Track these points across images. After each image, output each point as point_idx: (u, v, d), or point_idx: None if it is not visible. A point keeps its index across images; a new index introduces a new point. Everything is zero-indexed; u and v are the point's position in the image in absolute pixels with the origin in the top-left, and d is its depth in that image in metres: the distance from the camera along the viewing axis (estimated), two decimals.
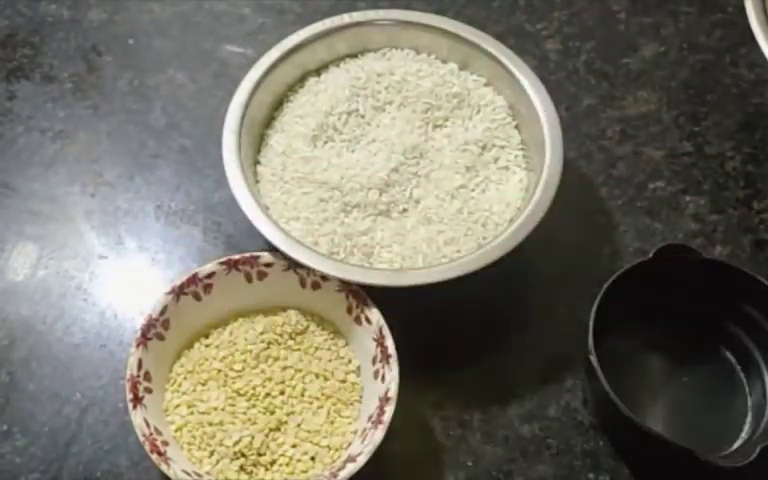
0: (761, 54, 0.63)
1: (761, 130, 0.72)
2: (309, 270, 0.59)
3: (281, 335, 0.60)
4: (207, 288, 0.60)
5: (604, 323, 0.58)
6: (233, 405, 0.57)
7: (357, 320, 0.59)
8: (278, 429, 0.57)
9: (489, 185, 0.65)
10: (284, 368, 0.58)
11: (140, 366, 0.57)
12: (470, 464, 0.58)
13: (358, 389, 0.58)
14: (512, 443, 0.59)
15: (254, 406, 0.57)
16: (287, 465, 0.56)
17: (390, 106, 0.67)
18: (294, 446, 0.56)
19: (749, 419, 0.59)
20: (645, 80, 0.75)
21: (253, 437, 0.56)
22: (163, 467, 0.53)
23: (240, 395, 0.58)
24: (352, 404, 0.58)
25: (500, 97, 0.68)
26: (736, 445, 0.58)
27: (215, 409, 0.57)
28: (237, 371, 0.58)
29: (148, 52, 0.77)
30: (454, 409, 0.60)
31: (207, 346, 0.60)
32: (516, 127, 0.67)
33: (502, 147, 0.66)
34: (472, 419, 0.60)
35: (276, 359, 0.59)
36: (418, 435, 0.59)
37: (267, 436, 0.56)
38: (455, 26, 0.69)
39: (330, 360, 0.59)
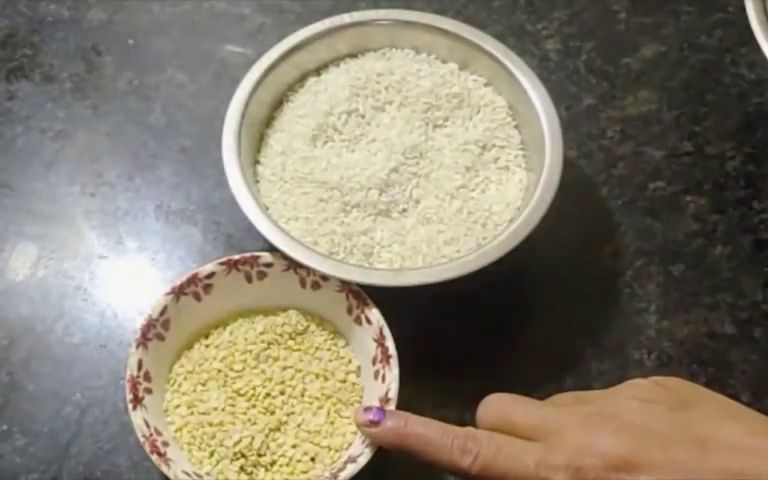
0: (761, 54, 0.63)
1: (761, 130, 0.72)
2: (309, 270, 0.59)
3: (281, 335, 0.60)
4: (207, 288, 0.60)
5: None
6: (233, 405, 0.57)
7: (357, 320, 0.59)
8: (278, 429, 0.57)
9: (489, 185, 0.65)
10: (284, 368, 0.58)
11: (140, 366, 0.57)
12: None
13: (358, 389, 0.58)
14: None
15: (254, 406, 0.57)
16: (287, 465, 0.56)
17: (390, 106, 0.67)
18: (294, 446, 0.56)
19: None
20: (645, 80, 0.75)
21: (253, 437, 0.56)
22: (163, 468, 0.53)
23: (240, 395, 0.58)
24: (352, 404, 0.58)
25: (500, 97, 0.68)
26: None
27: (215, 409, 0.57)
28: (237, 371, 0.58)
29: (148, 52, 0.77)
30: (454, 409, 0.60)
31: (207, 346, 0.60)
32: (516, 127, 0.67)
33: (502, 147, 0.66)
34: (472, 419, 0.60)
35: (276, 359, 0.59)
36: None
37: (267, 436, 0.56)
38: (455, 26, 0.69)
39: (330, 360, 0.59)
